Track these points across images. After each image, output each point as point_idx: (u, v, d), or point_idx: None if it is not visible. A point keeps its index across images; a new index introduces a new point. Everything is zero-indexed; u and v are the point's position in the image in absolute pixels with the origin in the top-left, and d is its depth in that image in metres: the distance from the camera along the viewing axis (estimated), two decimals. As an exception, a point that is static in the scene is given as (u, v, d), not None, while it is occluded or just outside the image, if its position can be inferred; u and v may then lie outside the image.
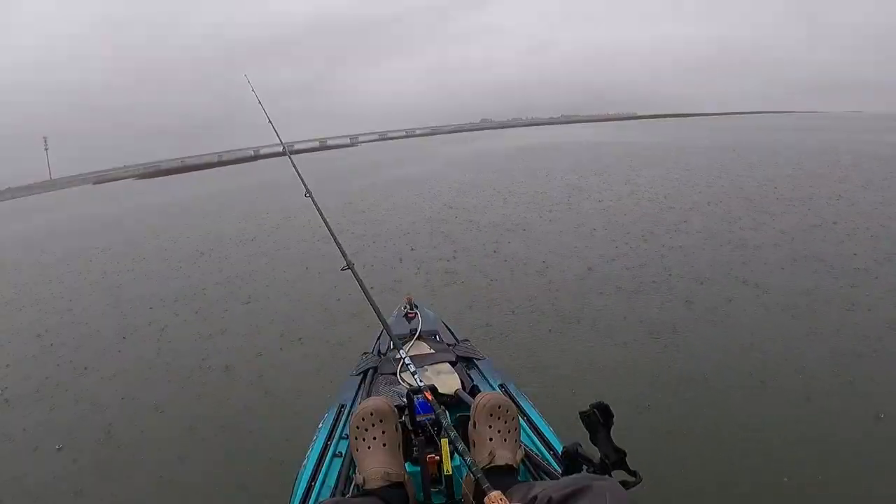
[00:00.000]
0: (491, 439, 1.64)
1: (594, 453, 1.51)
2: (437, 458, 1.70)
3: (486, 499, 1.28)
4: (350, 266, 2.81)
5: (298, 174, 3.87)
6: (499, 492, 1.29)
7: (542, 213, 10.57)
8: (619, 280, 6.16)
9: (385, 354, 2.68)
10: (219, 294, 7.44)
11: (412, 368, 2.11)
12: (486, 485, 1.34)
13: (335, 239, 3.00)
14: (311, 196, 3.45)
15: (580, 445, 1.56)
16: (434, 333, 2.84)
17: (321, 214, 3.29)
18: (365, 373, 2.55)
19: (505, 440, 1.65)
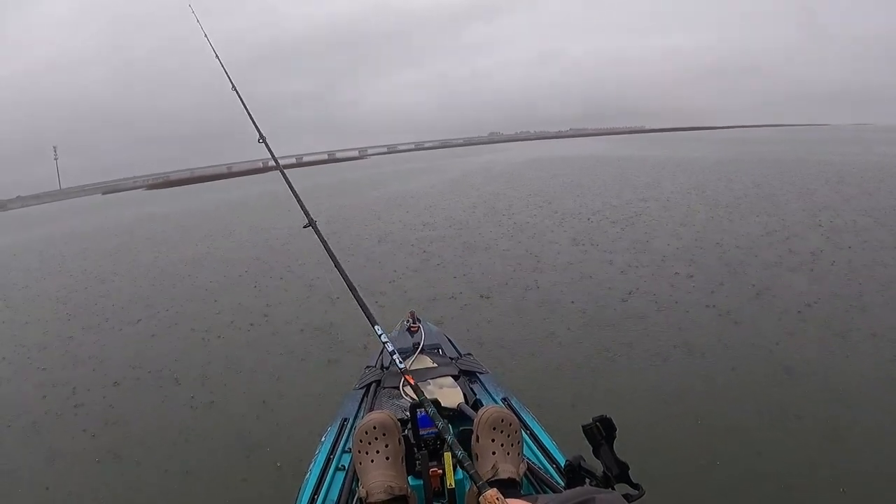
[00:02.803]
0: (494, 453, 1.64)
1: (597, 467, 1.51)
2: (440, 471, 1.70)
3: (481, 497, 1.28)
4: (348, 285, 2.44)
5: (297, 197, 2.93)
6: (495, 489, 1.29)
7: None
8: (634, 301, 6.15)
9: (388, 368, 2.67)
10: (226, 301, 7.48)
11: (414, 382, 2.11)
12: (480, 482, 1.35)
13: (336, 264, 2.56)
14: (313, 225, 2.70)
15: (583, 459, 1.56)
16: (437, 347, 2.83)
17: (323, 242, 2.65)
18: (368, 386, 2.55)
19: (508, 454, 1.65)
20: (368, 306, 2.34)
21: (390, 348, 2.33)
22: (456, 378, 2.43)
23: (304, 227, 2.64)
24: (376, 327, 2.23)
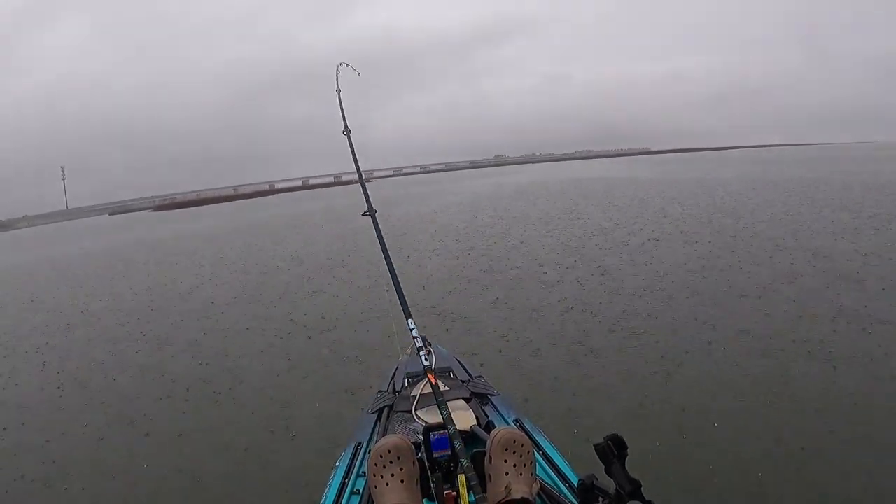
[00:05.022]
0: (507, 473, 1.65)
1: (610, 485, 1.52)
2: (455, 493, 1.71)
3: None
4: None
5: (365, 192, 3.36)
6: None
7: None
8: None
9: (400, 392, 2.70)
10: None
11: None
12: None
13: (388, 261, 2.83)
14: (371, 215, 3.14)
15: (596, 478, 1.57)
16: (448, 370, 2.85)
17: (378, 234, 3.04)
18: (380, 411, 2.58)
19: (521, 474, 1.66)
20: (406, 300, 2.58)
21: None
22: (468, 400, 2.45)
23: (364, 214, 3.08)
24: (409, 321, 2.40)
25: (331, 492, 2.08)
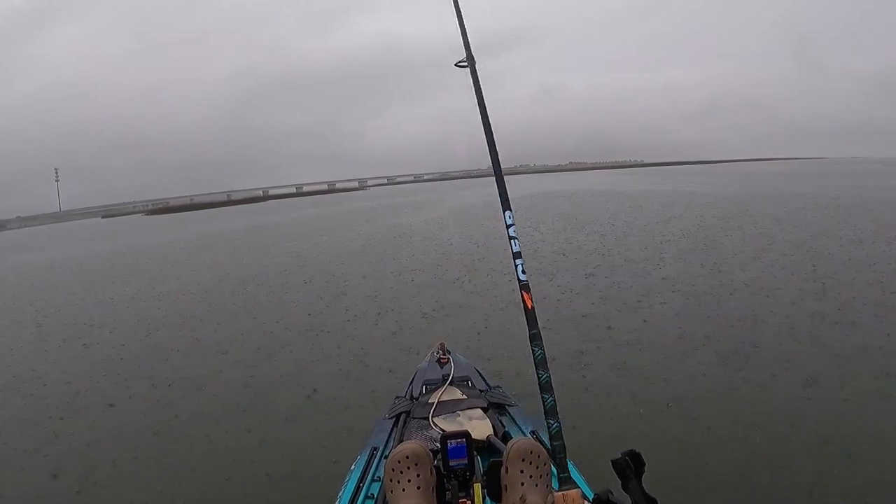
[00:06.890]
0: (522, 483, 1.67)
1: (626, 501, 1.54)
2: (469, 502, 1.73)
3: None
4: None
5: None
6: (578, 489, 1.28)
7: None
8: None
9: (417, 399, 2.69)
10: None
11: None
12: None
13: None
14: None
15: (612, 493, 1.59)
16: (466, 379, 2.84)
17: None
18: (397, 416, 2.57)
19: (536, 485, 1.67)
20: None
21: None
22: (485, 410, 2.46)
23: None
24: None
25: (345, 495, 2.08)
